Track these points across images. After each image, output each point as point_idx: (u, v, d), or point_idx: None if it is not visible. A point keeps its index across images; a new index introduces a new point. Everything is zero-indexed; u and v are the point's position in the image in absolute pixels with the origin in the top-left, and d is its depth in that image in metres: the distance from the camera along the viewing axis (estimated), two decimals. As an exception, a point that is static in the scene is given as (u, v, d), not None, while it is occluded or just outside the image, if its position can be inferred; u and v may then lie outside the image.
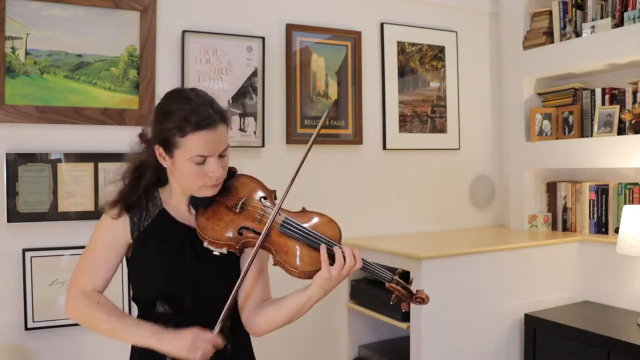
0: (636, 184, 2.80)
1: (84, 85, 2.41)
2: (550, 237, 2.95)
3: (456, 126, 3.30)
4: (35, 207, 2.30)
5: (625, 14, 2.73)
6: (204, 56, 2.62)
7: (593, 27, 2.88)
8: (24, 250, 2.28)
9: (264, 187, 1.51)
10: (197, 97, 1.37)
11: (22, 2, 2.29)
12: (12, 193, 2.26)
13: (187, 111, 1.33)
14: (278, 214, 1.41)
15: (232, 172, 1.50)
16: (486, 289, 2.59)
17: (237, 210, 1.42)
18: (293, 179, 1.41)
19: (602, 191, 2.93)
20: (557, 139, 3.16)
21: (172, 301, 1.43)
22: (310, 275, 1.40)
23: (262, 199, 1.48)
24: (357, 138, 2.97)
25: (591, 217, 2.97)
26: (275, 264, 1.41)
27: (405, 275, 1.52)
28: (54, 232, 2.34)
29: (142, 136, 1.45)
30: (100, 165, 2.40)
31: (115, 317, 1.40)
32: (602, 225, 2.92)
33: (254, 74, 2.72)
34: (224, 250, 1.39)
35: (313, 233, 1.41)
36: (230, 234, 1.39)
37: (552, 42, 3.10)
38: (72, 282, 1.44)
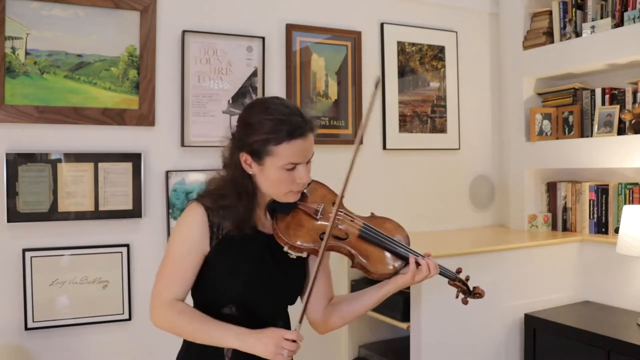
0: (636, 184, 2.80)
1: (84, 85, 2.41)
2: (550, 237, 2.95)
3: (456, 126, 3.30)
4: (35, 207, 2.30)
5: (625, 14, 2.73)
6: (204, 56, 2.62)
7: (593, 27, 2.88)
8: (24, 250, 2.28)
9: (331, 192, 1.59)
10: (286, 107, 1.41)
11: (22, 2, 2.29)
12: (12, 193, 2.26)
13: (279, 121, 1.37)
14: (353, 218, 1.54)
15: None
16: (486, 289, 2.57)
17: (318, 217, 1.50)
18: (347, 179, 1.46)
19: (602, 191, 2.93)
20: (557, 139, 3.16)
21: (244, 305, 1.46)
22: (389, 276, 1.54)
23: (333, 204, 1.53)
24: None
25: (591, 217, 2.97)
26: (353, 267, 1.53)
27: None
28: (54, 232, 2.34)
29: (223, 153, 1.48)
30: (100, 165, 2.40)
31: (197, 322, 1.39)
32: (602, 225, 2.92)
33: (254, 74, 2.72)
34: (304, 254, 1.47)
35: (391, 239, 1.55)
36: (312, 240, 1.46)
37: (552, 42, 3.11)
38: (155, 292, 1.44)
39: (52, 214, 2.32)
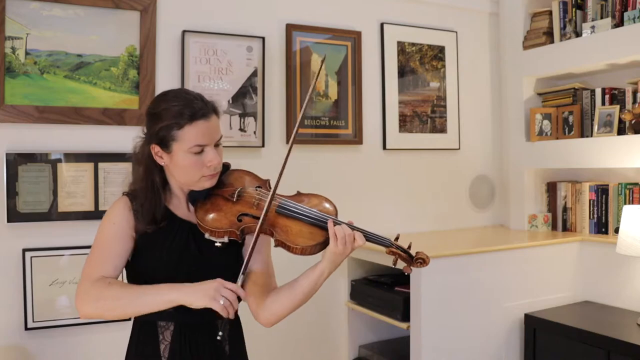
0: (636, 184, 2.80)
1: (84, 85, 2.41)
2: (550, 237, 2.95)
3: (456, 126, 3.30)
4: (35, 207, 2.30)
5: (625, 14, 2.73)
6: (204, 56, 2.62)
7: (593, 27, 2.88)
8: (24, 250, 2.28)
9: (257, 178, 1.58)
10: (186, 94, 1.45)
11: (22, 2, 2.29)
12: (12, 193, 2.26)
13: (181, 106, 1.41)
14: (275, 198, 1.47)
15: (226, 167, 1.55)
16: (486, 289, 2.59)
17: (235, 200, 1.48)
18: (284, 164, 1.46)
19: (602, 191, 2.93)
20: (557, 139, 3.16)
21: None
22: (311, 250, 1.45)
23: (257, 188, 1.54)
24: (357, 138, 2.97)
25: (591, 217, 2.97)
26: (276, 245, 1.47)
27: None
28: (54, 232, 2.34)
29: (135, 149, 1.51)
30: (100, 165, 2.40)
31: (129, 288, 1.38)
32: (602, 225, 2.92)
33: (254, 74, 2.72)
34: (226, 239, 1.44)
35: (311, 210, 1.48)
36: (229, 222, 1.44)
37: (552, 42, 3.11)
38: (82, 276, 1.41)
39: (52, 214, 2.32)
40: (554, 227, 3.17)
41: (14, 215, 2.26)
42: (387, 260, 2.61)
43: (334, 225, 1.44)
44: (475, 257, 2.57)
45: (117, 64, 2.46)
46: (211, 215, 1.45)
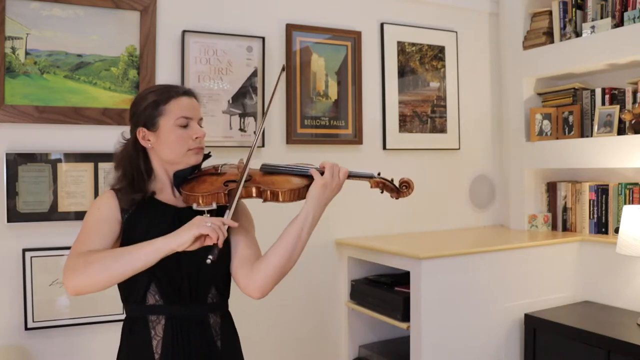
0: (636, 184, 2.80)
1: (84, 85, 2.41)
2: (550, 237, 2.95)
3: (456, 126, 3.30)
4: (35, 207, 2.30)
5: (625, 14, 2.73)
6: (204, 56, 2.62)
7: (593, 27, 2.88)
8: (24, 250, 2.28)
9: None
10: (166, 84, 1.59)
11: (22, 2, 2.29)
12: (12, 193, 2.26)
13: (162, 88, 1.55)
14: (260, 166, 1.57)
15: (207, 155, 1.62)
16: (486, 289, 2.59)
17: (219, 172, 1.56)
18: (255, 142, 1.57)
19: (602, 191, 2.93)
20: (557, 139, 3.16)
21: (165, 287, 1.44)
22: (300, 194, 1.51)
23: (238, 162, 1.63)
24: (357, 138, 2.97)
25: (591, 217, 2.97)
26: (264, 199, 1.51)
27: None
28: (54, 232, 2.34)
29: (116, 151, 1.61)
30: (100, 165, 2.40)
31: (115, 250, 1.38)
32: (602, 225, 2.92)
33: (254, 74, 2.72)
34: (214, 205, 1.48)
35: (295, 165, 1.57)
36: (216, 187, 1.49)
37: (552, 42, 3.11)
38: (68, 258, 1.40)
39: (52, 214, 2.32)
40: (554, 227, 3.17)
41: (14, 215, 2.26)
42: (387, 261, 2.62)
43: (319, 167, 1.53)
44: (475, 257, 2.57)
45: (117, 64, 2.46)
46: (197, 186, 1.51)
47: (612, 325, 2.46)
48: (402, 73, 3.13)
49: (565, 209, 3.13)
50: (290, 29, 2.81)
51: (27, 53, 2.31)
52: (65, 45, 2.37)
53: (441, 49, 3.25)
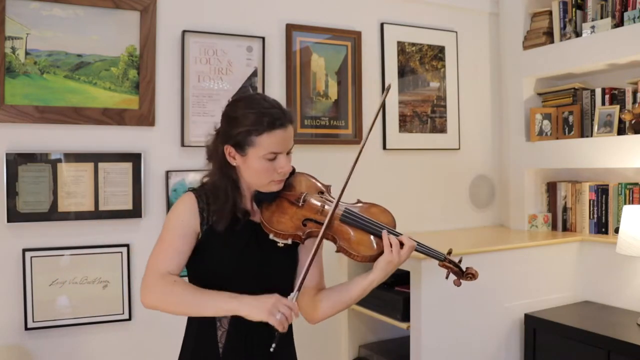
0: (636, 184, 2.79)
1: (84, 85, 2.41)
2: (550, 237, 2.95)
3: (456, 126, 3.30)
4: (35, 207, 2.30)
5: (625, 14, 2.73)
6: (204, 56, 2.62)
7: (593, 27, 2.88)
8: (24, 250, 2.28)
9: (320, 183, 1.66)
10: (266, 102, 1.51)
11: (22, 2, 2.29)
12: (12, 193, 2.26)
13: (260, 114, 1.46)
14: (338, 205, 1.55)
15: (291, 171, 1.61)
16: (486, 289, 2.59)
17: (300, 204, 1.55)
18: (350, 173, 1.55)
19: (602, 191, 2.92)
20: (557, 139, 3.16)
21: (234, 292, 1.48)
22: (371, 259, 1.54)
23: (320, 194, 1.62)
24: (357, 138, 2.97)
25: (591, 217, 2.97)
26: (337, 251, 1.54)
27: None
28: (54, 232, 2.34)
29: (207, 144, 1.58)
30: (100, 165, 2.40)
31: (193, 289, 1.44)
32: (602, 225, 2.92)
33: (254, 74, 2.72)
34: (289, 241, 1.51)
35: (372, 221, 1.57)
36: (295, 226, 1.51)
37: (552, 42, 3.11)
38: (149, 268, 1.47)
39: (52, 214, 2.32)
40: (554, 227, 3.17)
41: (14, 215, 2.26)
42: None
43: (388, 235, 1.55)
44: (476, 257, 2.56)
45: (117, 64, 2.46)
46: (277, 218, 1.51)
47: (612, 325, 2.46)
48: (402, 73, 3.13)
49: (565, 209, 3.13)
50: (290, 29, 2.81)
51: (27, 53, 2.31)
52: (65, 45, 2.37)
53: (441, 49, 3.25)
